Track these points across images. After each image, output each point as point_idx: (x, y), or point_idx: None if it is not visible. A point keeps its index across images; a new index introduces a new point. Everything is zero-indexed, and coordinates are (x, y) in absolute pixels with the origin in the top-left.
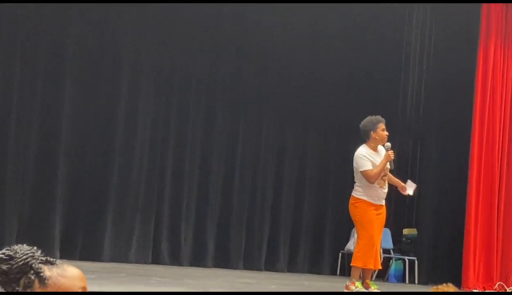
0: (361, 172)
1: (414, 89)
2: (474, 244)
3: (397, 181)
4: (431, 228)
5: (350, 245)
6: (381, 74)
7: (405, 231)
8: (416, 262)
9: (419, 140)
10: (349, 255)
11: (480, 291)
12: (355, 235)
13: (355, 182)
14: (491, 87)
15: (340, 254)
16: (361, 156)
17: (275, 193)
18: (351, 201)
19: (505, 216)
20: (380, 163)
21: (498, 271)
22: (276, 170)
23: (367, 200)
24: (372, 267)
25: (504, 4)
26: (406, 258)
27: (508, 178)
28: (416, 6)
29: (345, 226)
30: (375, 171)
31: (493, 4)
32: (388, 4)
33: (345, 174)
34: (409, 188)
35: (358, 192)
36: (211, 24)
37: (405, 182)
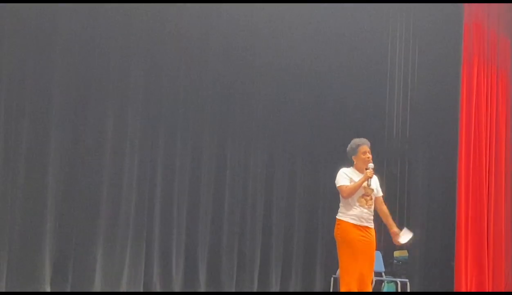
0: (337, 187)
1: (399, 111)
2: (465, 263)
3: (390, 224)
4: (422, 249)
5: None
6: (367, 97)
7: (396, 253)
8: (408, 283)
9: (406, 161)
10: None
11: (479, 292)
12: None
13: (339, 204)
14: (476, 106)
15: (332, 279)
16: (341, 173)
17: (265, 219)
18: (335, 223)
19: (495, 233)
20: (358, 180)
21: (490, 287)
22: (265, 196)
23: (349, 221)
24: (356, 289)
25: (485, 24)
26: (398, 280)
27: (496, 196)
28: (398, 28)
29: (336, 250)
30: (350, 186)
31: (474, 25)
32: (372, 29)
33: (334, 199)
34: (404, 236)
35: (340, 213)
36: (198, 50)
37: (401, 228)
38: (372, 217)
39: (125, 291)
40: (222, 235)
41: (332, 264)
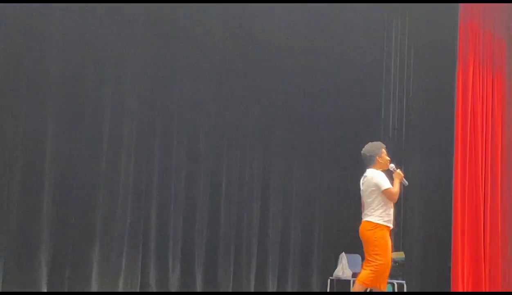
0: (384, 190)
1: (395, 112)
2: (461, 264)
3: None
4: (418, 250)
5: (339, 271)
6: (362, 98)
7: (393, 255)
8: (405, 285)
9: (402, 162)
10: (338, 282)
11: (476, 292)
12: (343, 261)
13: (370, 207)
14: (471, 106)
15: (329, 281)
16: (380, 175)
17: (261, 221)
18: (367, 227)
19: (491, 234)
20: (394, 183)
21: (487, 287)
22: (262, 198)
23: (387, 225)
24: (382, 288)
25: (481, 24)
26: (395, 281)
27: (492, 196)
28: (394, 28)
29: (333, 252)
30: (396, 189)
31: (469, 25)
32: (367, 29)
33: (330, 202)
34: None
35: (376, 217)
36: (194, 51)
37: None
38: None
39: (122, 291)
40: (218, 237)
41: (328, 266)
